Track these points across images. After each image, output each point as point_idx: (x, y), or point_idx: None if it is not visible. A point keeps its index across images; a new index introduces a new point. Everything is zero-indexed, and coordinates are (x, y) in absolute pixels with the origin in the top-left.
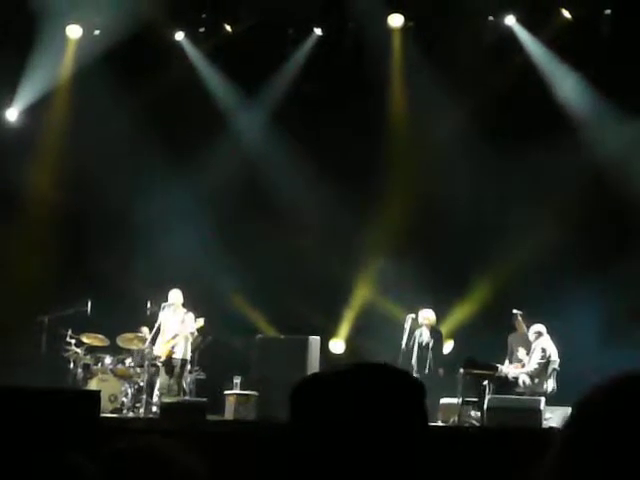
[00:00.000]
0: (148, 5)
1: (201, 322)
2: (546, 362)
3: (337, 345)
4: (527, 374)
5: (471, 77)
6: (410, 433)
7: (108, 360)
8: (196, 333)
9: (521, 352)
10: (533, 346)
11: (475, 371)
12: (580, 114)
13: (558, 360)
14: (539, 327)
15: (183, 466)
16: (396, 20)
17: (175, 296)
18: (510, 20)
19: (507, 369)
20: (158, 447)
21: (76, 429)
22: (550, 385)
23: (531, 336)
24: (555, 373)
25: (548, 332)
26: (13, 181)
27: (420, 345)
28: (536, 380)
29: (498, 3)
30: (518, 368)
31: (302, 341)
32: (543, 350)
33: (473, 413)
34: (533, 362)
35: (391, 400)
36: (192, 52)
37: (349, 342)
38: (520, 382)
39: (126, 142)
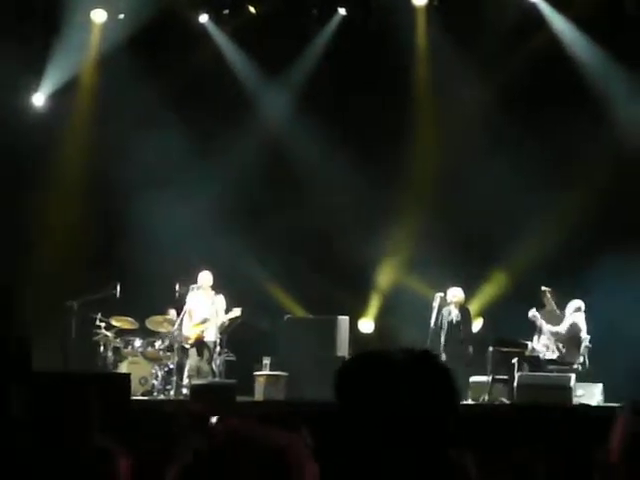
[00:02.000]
0: None
1: (237, 312)
2: (576, 332)
3: (366, 325)
4: (558, 335)
5: (496, 54)
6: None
7: (138, 343)
8: (227, 322)
9: (549, 328)
10: (568, 318)
11: (504, 349)
12: (605, 90)
13: (588, 337)
14: (578, 302)
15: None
16: None
17: (205, 278)
18: None
19: (534, 344)
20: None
21: (107, 412)
22: (580, 358)
23: (570, 309)
24: (587, 350)
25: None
26: (40, 166)
27: (449, 323)
28: (564, 350)
29: None
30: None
31: (331, 321)
32: (576, 323)
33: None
34: (564, 325)
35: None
36: (216, 34)
37: (378, 321)
38: (550, 350)
39: (151, 125)
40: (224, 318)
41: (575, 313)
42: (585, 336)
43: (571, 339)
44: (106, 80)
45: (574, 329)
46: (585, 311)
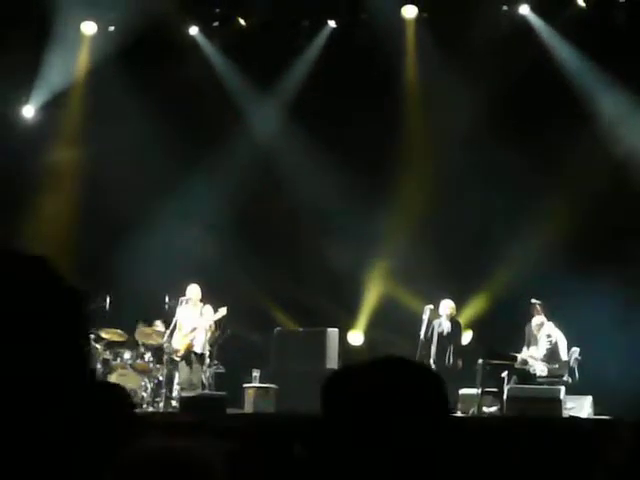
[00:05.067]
0: (161, 0)
1: (224, 311)
2: (554, 345)
3: (355, 337)
4: (539, 360)
5: (486, 67)
6: (433, 424)
7: (127, 355)
8: (213, 326)
9: (533, 347)
10: (538, 336)
11: (494, 361)
12: (595, 103)
13: (577, 349)
14: (540, 318)
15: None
16: (410, 11)
17: (193, 291)
18: (524, 9)
19: (523, 355)
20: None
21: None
22: (569, 370)
23: (534, 329)
24: (577, 363)
25: (563, 321)
26: (29, 178)
27: (440, 336)
28: (556, 365)
29: None
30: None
31: (320, 333)
32: (549, 336)
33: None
34: (541, 349)
35: (415, 393)
36: (206, 46)
37: (367, 334)
38: (537, 371)
39: (141, 137)
40: (213, 319)
41: (542, 329)
42: (562, 343)
43: (553, 352)
44: (96, 92)
45: (553, 343)
46: (551, 321)
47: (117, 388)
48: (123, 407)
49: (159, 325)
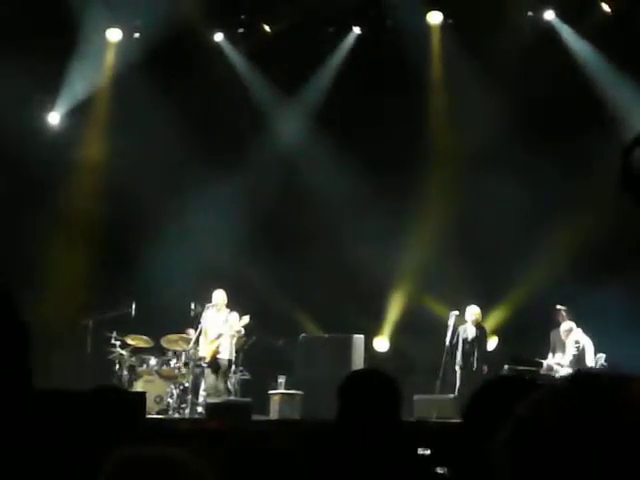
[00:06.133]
0: (187, 7)
1: (247, 319)
2: (582, 351)
3: (381, 343)
4: (566, 366)
5: (511, 73)
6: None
7: (153, 361)
8: (242, 331)
9: (559, 353)
10: (566, 342)
11: (520, 367)
12: (621, 109)
13: (604, 355)
14: (569, 324)
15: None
16: (435, 17)
17: (219, 296)
18: (549, 15)
19: (549, 362)
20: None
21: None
22: None
23: (563, 334)
24: (603, 369)
25: (587, 327)
26: (56, 184)
27: (465, 342)
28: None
29: None
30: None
31: (346, 340)
32: (577, 342)
33: None
34: (568, 355)
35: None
36: (231, 53)
37: (393, 340)
38: (564, 367)
39: (166, 143)
40: (237, 327)
41: (570, 335)
42: (589, 349)
43: (580, 358)
44: (121, 99)
45: (580, 348)
46: (579, 327)
47: (126, 394)
48: (128, 412)
49: (191, 333)
